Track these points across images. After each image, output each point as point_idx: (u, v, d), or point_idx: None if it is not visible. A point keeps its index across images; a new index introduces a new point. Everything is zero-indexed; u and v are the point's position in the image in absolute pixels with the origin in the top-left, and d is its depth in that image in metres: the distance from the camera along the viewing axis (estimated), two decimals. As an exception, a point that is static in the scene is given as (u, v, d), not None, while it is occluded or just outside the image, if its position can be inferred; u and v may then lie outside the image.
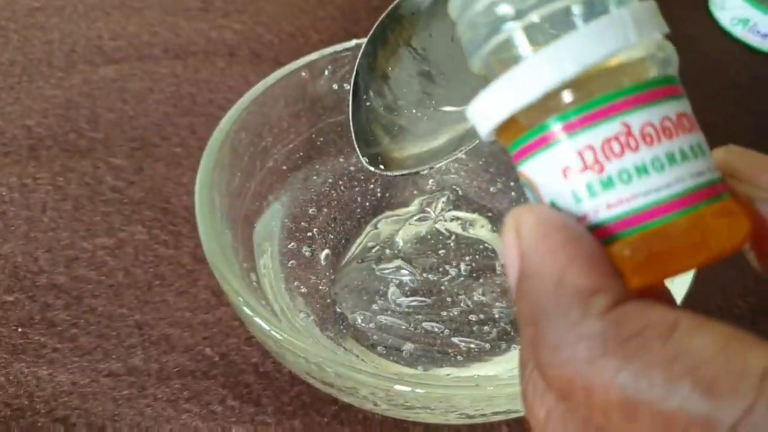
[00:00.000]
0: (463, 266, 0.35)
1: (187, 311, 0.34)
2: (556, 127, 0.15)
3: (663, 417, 0.12)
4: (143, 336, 0.33)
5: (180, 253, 0.37)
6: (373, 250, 0.35)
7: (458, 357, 0.31)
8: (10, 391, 0.31)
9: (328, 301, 0.33)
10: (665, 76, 0.15)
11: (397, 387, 0.24)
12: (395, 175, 0.31)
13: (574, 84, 0.15)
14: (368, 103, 0.31)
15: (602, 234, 0.15)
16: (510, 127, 0.16)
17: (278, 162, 0.36)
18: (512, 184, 0.38)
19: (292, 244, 0.34)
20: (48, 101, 0.44)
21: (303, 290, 0.33)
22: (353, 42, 0.36)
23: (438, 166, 0.30)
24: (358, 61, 0.30)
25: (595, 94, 0.15)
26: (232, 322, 0.34)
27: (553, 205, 0.15)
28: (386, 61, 0.30)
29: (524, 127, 0.16)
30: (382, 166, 0.30)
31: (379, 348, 0.31)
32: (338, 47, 0.36)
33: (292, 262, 0.34)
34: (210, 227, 0.28)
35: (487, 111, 0.16)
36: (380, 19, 0.29)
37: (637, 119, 0.14)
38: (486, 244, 0.36)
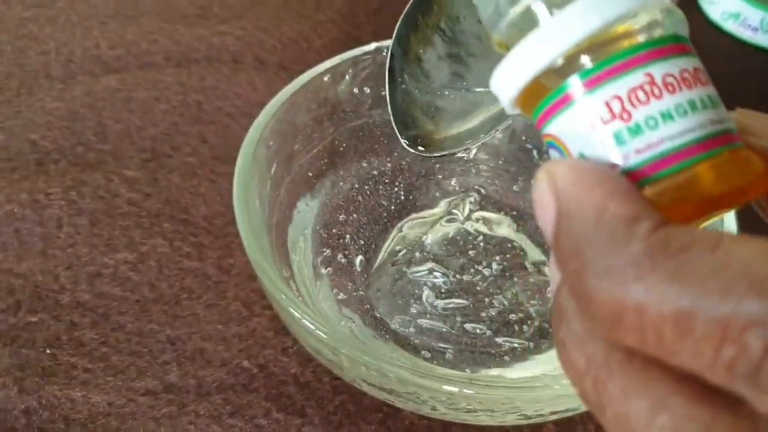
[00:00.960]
0: (494, 266, 0.35)
1: (219, 324, 0.34)
2: (581, 81, 0.16)
3: (719, 323, 0.12)
4: (177, 351, 0.32)
5: (205, 265, 0.36)
6: (401, 254, 0.35)
7: (505, 357, 0.31)
8: (44, 416, 0.30)
9: (367, 306, 0.33)
10: (678, 35, 0.16)
11: (465, 390, 0.24)
12: (435, 156, 0.31)
13: (597, 40, 0.16)
14: (404, 86, 0.31)
15: (633, 178, 0.15)
16: (533, 92, 0.17)
17: (304, 168, 0.35)
18: (533, 181, 0.38)
19: (327, 251, 0.34)
20: (51, 114, 0.43)
21: (342, 297, 0.33)
22: (373, 45, 0.36)
23: (475, 146, 0.31)
24: (391, 45, 0.30)
25: (617, 50, 0.15)
26: (267, 333, 0.33)
27: (582, 157, 0.16)
28: (418, 45, 0.30)
29: (548, 88, 0.16)
30: (421, 148, 0.30)
31: (423, 352, 0.31)
32: (358, 51, 0.36)
33: (328, 269, 0.33)
34: (252, 233, 0.28)
35: (510, 77, 0.17)
36: (410, 3, 0.30)
37: (658, 70, 0.15)
38: (514, 243, 0.36)
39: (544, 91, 0.16)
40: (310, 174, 0.36)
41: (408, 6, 0.29)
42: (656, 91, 0.15)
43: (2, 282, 0.34)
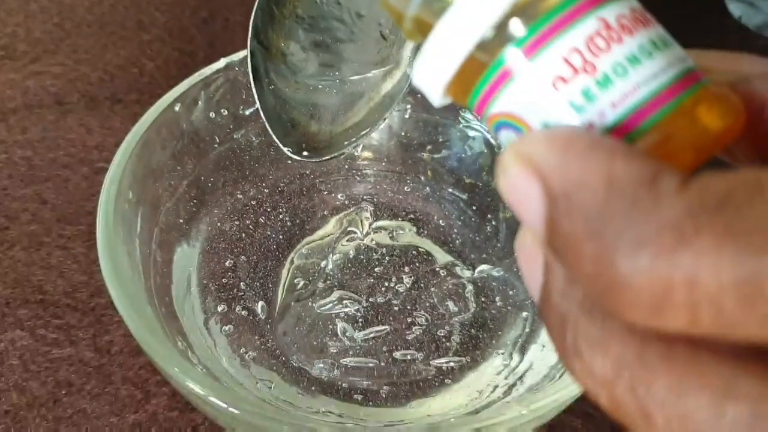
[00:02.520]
0: (405, 279, 0.32)
1: (112, 415, 0.29)
2: (531, 39, 0.13)
3: None
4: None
5: (78, 350, 0.31)
6: (301, 287, 0.32)
7: (446, 380, 0.28)
8: None
9: (282, 358, 0.29)
10: None
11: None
12: (325, 160, 0.28)
13: None
14: (272, 87, 0.27)
15: (616, 137, 0.13)
16: (466, 73, 0.14)
17: (172, 214, 0.31)
18: (422, 178, 0.36)
19: (221, 306, 0.30)
20: None
21: (251, 355, 0.29)
22: (222, 62, 0.32)
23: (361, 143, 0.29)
24: (249, 43, 0.26)
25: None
26: (170, 414, 0.29)
27: (548, 127, 0.14)
28: (278, 38, 0.27)
29: (485, 63, 0.14)
30: (307, 153, 0.27)
31: (355, 396, 0.28)
32: (207, 71, 0.32)
33: (227, 327, 0.29)
34: (133, 311, 0.23)
35: (439, 63, 0.14)
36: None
37: (610, 12, 0.13)
38: (419, 248, 0.33)
39: (480, 68, 0.14)
40: (181, 220, 0.31)
41: None
42: (614, 35, 0.13)
43: None
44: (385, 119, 0.29)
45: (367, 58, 0.28)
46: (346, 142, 0.28)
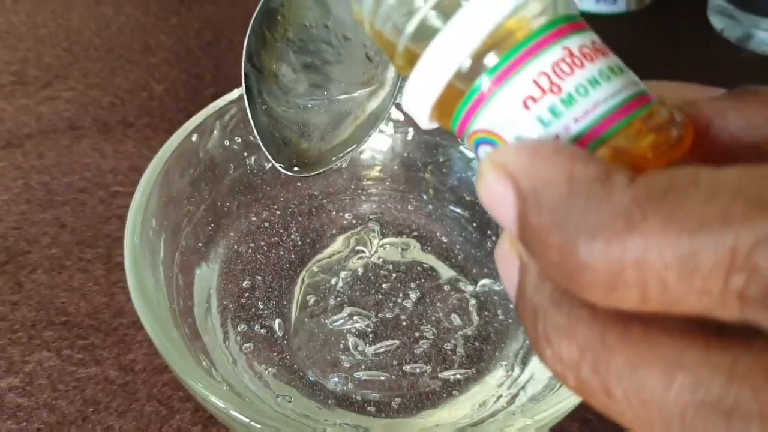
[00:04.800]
0: (411, 294, 0.34)
1: (139, 431, 0.30)
2: (506, 64, 0.16)
3: (724, 252, 0.12)
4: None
5: (104, 369, 0.32)
6: (312, 303, 0.33)
7: (453, 392, 0.30)
8: None
9: (300, 373, 0.31)
10: (573, 14, 0.17)
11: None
12: (314, 174, 0.30)
13: (512, 23, 0.16)
14: (265, 107, 0.29)
15: (580, 146, 0.16)
16: (447, 99, 0.17)
17: (191, 239, 0.32)
18: (425, 197, 0.38)
19: (242, 326, 0.32)
20: None
21: (272, 371, 0.30)
22: (236, 93, 0.34)
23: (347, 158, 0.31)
24: (243, 65, 0.28)
25: (531, 30, 0.16)
26: (193, 429, 0.30)
27: (520, 140, 0.16)
28: (270, 60, 0.29)
29: (464, 90, 0.16)
30: (297, 168, 0.29)
31: (369, 408, 0.30)
32: (221, 102, 0.33)
33: (247, 345, 0.31)
34: (159, 331, 0.25)
35: (422, 91, 0.17)
36: (254, 16, 0.28)
37: (573, 42, 0.16)
38: (423, 264, 0.35)
39: (459, 94, 0.16)
40: (200, 243, 0.33)
41: (252, 22, 0.28)
42: (577, 61, 0.16)
43: None
44: (370, 136, 0.30)
45: (353, 79, 0.30)
46: (334, 158, 0.30)
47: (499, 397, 0.30)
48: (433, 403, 0.30)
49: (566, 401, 0.24)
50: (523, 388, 0.30)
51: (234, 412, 0.23)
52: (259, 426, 0.23)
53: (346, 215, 0.37)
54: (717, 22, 0.54)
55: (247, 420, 0.23)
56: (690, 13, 0.56)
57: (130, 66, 0.47)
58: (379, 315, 0.33)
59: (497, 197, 0.14)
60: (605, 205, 0.13)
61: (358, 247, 0.36)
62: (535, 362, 0.31)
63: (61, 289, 0.35)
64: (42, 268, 0.36)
